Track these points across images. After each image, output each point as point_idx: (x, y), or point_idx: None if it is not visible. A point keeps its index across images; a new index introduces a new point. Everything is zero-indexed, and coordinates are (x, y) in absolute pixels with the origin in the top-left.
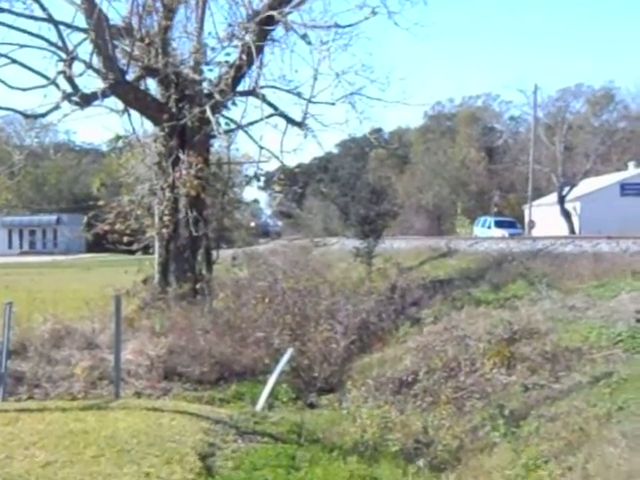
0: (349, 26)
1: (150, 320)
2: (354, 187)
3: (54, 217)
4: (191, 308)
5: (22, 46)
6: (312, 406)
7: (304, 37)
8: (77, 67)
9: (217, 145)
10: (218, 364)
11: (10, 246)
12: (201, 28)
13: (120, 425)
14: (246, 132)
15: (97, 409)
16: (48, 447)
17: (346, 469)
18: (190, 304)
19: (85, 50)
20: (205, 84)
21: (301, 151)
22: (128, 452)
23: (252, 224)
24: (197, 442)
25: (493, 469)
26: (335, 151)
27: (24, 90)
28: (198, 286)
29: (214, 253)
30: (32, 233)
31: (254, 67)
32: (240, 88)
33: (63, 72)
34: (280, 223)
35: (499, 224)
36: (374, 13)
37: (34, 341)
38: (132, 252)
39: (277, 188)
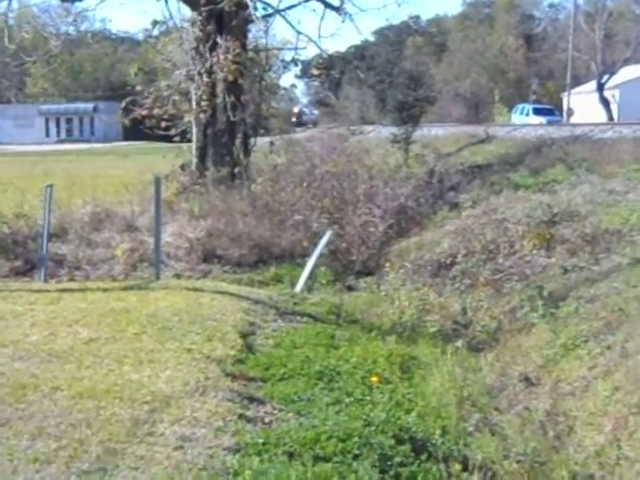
0: None
1: (189, 203)
2: (391, 74)
3: (91, 105)
4: (229, 192)
5: None
6: (350, 289)
7: None
8: None
9: (254, 30)
10: (257, 247)
11: (47, 134)
12: None
13: (161, 304)
14: (283, 17)
15: (138, 289)
16: (91, 324)
17: (385, 348)
18: (228, 188)
19: None
20: None
21: (338, 36)
22: (170, 329)
23: (295, 109)
24: (237, 321)
25: (531, 349)
26: (372, 39)
27: None
28: (236, 170)
29: (252, 139)
30: (69, 121)
31: None
32: None
33: None
34: (316, 112)
35: (537, 111)
36: None
37: (74, 224)
38: (169, 139)
39: (315, 72)
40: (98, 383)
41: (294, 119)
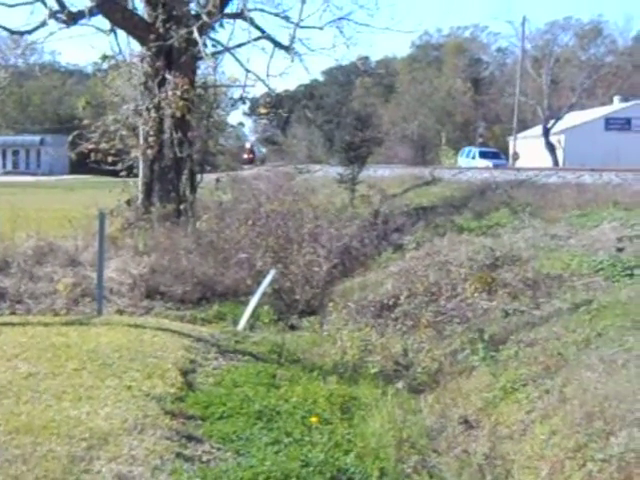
0: None
1: (133, 239)
2: (339, 114)
3: (38, 138)
4: (174, 228)
5: None
6: (293, 328)
7: None
8: None
9: (203, 67)
10: (200, 284)
11: None
12: None
13: (102, 340)
14: (233, 55)
15: (79, 324)
16: (31, 359)
17: (326, 388)
18: (173, 224)
19: None
20: (193, 5)
21: (287, 75)
22: (110, 366)
23: (247, 145)
24: (178, 358)
25: (471, 391)
26: (321, 79)
27: (10, 6)
28: (182, 207)
29: (198, 176)
30: (15, 153)
31: None
32: (228, 10)
33: None
34: (264, 150)
35: (483, 155)
36: None
37: (17, 257)
38: (116, 174)
39: (263, 110)
40: (36, 419)
41: (246, 155)
